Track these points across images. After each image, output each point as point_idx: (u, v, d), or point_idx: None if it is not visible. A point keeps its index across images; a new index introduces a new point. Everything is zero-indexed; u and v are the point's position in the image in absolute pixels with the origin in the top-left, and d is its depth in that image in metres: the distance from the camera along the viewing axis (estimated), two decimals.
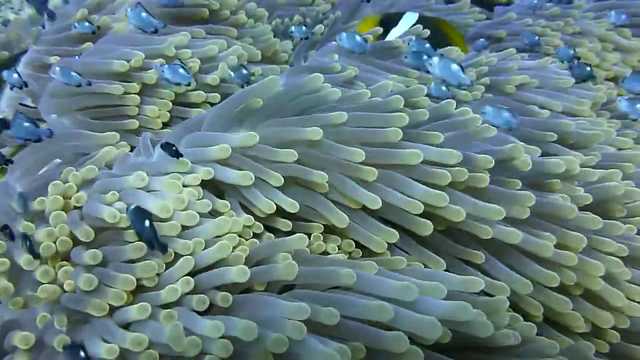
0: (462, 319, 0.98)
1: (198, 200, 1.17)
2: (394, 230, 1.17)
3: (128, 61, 1.43)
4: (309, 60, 1.68)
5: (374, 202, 1.15)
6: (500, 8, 2.27)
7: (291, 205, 1.18)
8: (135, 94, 1.43)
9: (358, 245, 1.22)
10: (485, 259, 1.19)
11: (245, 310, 1.03)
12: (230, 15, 1.74)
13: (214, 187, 1.24)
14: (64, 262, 1.12)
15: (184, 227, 1.12)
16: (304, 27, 1.80)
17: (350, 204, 1.19)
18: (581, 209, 1.22)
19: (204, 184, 1.21)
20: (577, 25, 2.06)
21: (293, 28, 1.80)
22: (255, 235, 1.21)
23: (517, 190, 1.20)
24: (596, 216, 1.19)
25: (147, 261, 1.07)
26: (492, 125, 1.27)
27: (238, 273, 1.03)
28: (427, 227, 1.15)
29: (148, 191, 1.17)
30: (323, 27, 2.05)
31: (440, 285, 1.02)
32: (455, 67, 1.33)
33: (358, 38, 1.54)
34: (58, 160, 1.38)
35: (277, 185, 1.19)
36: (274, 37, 1.86)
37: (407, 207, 1.15)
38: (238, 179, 1.19)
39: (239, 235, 1.16)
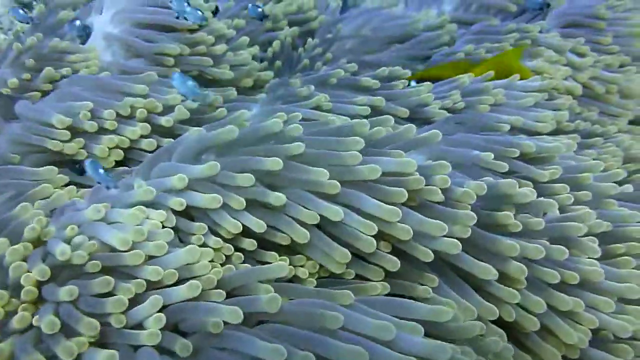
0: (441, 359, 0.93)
1: (163, 228, 1.09)
2: (346, 250, 1.08)
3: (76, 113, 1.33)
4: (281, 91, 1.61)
5: (336, 214, 1.07)
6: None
7: (257, 225, 1.10)
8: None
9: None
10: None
11: (215, 343, 0.96)
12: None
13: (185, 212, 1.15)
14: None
15: (151, 257, 1.03)
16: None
17: (309, 220, 1.10)
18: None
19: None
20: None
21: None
22: (227, 257, 1.12)
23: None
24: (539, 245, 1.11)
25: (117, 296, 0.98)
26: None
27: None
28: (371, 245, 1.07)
29: (109, 223, 1.09)
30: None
31: (417, 326, 0.96)
32: None
33: (190, 83, 1.35)
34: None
35: (239, 208, 1.11)
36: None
37: (360, 227, 1.08)
38: (206, 202, 1.11)
39: (211, 261, 1.08)
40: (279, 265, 1.05)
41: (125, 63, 1.57)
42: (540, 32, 1.97)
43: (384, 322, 0.94)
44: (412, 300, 1.05)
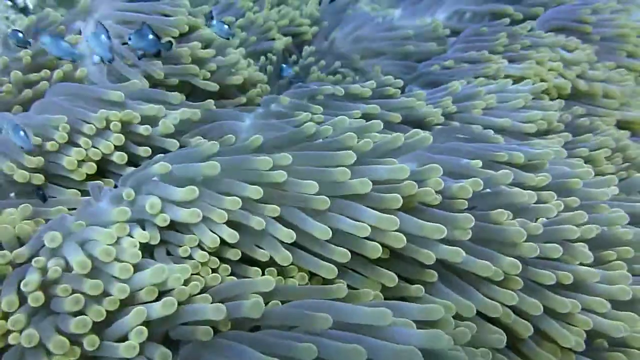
0: (438, 347, 0.90)
1: (134, 248, 1.05)
2: (345, 250, 1.04)
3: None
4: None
5: (324, 233, 1.03)
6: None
7: (230, 235, 1.06)
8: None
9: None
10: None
11: (208, 354, 0.94)
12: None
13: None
14: None
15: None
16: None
17: (286, 239, 1.06)
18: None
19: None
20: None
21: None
22: (213, 270, 1.09)
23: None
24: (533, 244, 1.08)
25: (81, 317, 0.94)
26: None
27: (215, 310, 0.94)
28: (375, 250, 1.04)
29: (84, 242, 1.05)
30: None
31: (409, 321, 0.94)
32: None
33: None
34: None
35: (221, 222, 1.07)
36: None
37: (356, 232, 1.03)
38: (186, 216, 1.07)
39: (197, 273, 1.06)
40: (265, 280, 1.01)
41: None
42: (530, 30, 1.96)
43: (379, 309, 0.91)
44: (403, 302, 1.01)
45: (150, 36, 1.30)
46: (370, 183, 1.04)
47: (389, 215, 1.02)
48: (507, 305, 1.07)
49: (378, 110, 1.47)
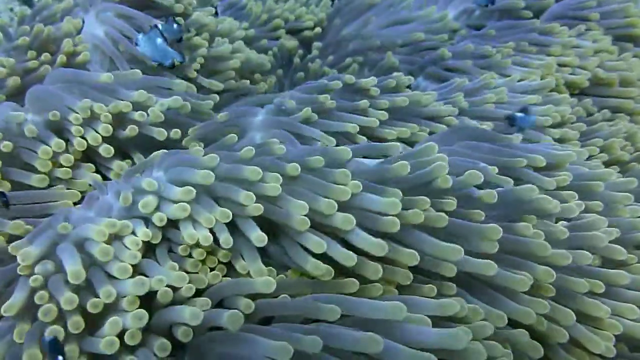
0: (457, 347, 0.83)
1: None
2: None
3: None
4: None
5: (319, 246, 0.93)
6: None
7: (204, 238, 0.97)
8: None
9: None
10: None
11: (219, 347, 0.89)
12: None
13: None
14: None
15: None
16: None
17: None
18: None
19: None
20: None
21: None
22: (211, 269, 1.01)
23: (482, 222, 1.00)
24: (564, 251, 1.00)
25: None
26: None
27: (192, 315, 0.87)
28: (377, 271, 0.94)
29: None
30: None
31: (425, 318, 0.87)
32: None
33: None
34: None
35: (208, 226, 0.98)
36: None
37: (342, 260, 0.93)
38: (175, 211, 0.99)
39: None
40: (266, 281, 0.92)
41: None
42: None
43: (394, 303, 0.85)
44: (418, 297, 0.94)
45: (159, 40, 1.18)
46: (354, 221, 0.94)
47: (378, 240, 0.92)
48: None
49: (387, 105, 1.37)
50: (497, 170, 1.13)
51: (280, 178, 0.99)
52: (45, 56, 1.39)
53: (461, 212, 1.01)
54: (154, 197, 1.01)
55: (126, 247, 0.97)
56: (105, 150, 1.22)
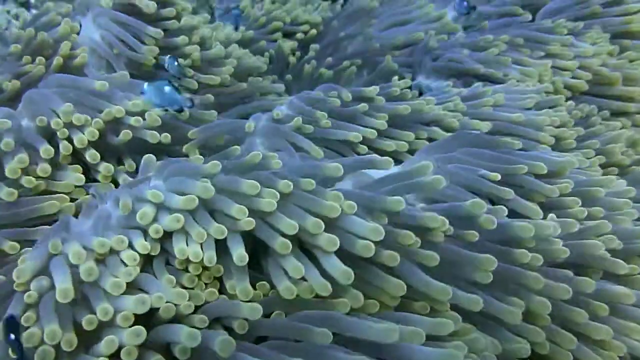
0: None
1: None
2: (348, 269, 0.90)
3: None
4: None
5: (298, 271, 0.90)
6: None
7: (194, 254, 0.93)
8: None
9: None
10: None
11: None
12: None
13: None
14: None
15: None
16: None
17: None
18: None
19: None
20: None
21: None
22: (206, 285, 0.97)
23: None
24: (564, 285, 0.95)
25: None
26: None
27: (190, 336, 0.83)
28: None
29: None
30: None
31: (419, 330, 0.83)
32: None
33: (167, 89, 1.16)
34: None
35: (200, 241, 0.94)
36: None
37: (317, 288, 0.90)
38: (168, 223, 0.95)
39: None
40: (252, 307, 0.88)
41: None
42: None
43: (386, 325, 0.83)
44: (412, 314, 0.91)
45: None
46: (337, 243, 0.90)
47: (346, 268, 0.89)
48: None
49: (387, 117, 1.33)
50: (499, 177, 1.10)
51: (278, 195, 0.95)
52: (40, 60, 1.34)
53: (456, 233, 0.97)
54: (151, 207, 0.97)
55: (123, 262, 0.93)
56: (91, 155, 1.18)
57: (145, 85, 1.15)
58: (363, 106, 1.30)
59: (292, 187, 0.95)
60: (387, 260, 0.91)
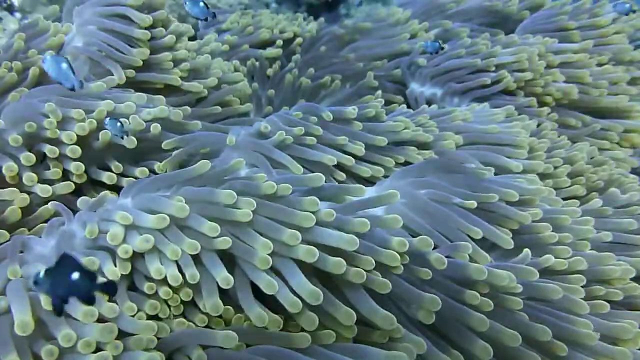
0: None
1: None
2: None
3: None
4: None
5: (270, 286, 0.87)
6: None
7: (174, 278, 0.89)
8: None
9: None
10: None
11: None
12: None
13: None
14: None
15: None
16: None
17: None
18: None
19: None
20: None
21: None
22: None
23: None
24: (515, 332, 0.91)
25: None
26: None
27: None
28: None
29: None
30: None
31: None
32: None
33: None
34: None
35: (174, 258, 0.90)
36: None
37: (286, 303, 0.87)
38: (137, 244, 0.90)
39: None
40: (227, 335, 0.85)
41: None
42: None
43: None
44: (368, 346, 0.88)
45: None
46: (317, 253, 0.87)
47: (314, 288, 0.86)
48: None
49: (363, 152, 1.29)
50: (475, 204, 1.08)
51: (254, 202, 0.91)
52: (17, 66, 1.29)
53: (411, 269, 0.94)
54: (121, 227, 0.91)
55: None
56: (75, 166, 1.14)
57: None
58: (343, 139, 1.27)
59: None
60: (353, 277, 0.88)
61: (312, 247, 0.87)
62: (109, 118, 1.14)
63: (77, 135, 1.13)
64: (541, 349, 0.94)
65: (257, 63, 1.78)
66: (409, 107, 1.66)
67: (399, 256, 0.90)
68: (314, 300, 0.85)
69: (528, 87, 1.72)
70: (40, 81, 1.30)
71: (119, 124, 1.13)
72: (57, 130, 1.12)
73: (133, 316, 0.88)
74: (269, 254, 0.88)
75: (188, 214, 0.91)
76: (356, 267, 0.89)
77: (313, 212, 0.91)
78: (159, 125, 1.22)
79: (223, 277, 0.88)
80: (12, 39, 1.36)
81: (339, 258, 0.87)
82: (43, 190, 1.10)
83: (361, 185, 1.03)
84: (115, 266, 0.92)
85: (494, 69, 1.72)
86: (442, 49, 1.73)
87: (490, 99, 1.69)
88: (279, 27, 1.88)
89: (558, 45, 1.79)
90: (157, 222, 0.91)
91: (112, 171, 1.20)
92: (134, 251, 0.91)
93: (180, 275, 0.90)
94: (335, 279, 0.90)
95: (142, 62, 1.33)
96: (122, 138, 1.16)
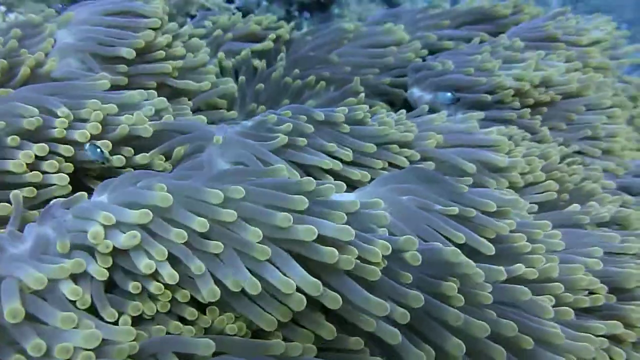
0: None
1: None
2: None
3: None
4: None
5: (254, 287, 0.84)
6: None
7: (169, 276, 0.86)
8: None
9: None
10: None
11: None
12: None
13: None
14: None
15: None
16: None
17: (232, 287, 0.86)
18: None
19: None
20: None
21: None
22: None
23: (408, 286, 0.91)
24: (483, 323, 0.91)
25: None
26: None
27: None
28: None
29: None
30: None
31: None
32: None
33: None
34: None
35: (161, 259, 0.87)
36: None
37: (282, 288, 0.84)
38: (125, 241, 0.86)
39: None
40: (207, 343, 0.83)
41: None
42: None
43: None
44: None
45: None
46: (316, 231, 0.85)
47: (314, 279, 0.84)
48: None
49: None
50: (457, 210, 1.08)
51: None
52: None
53: (392, 270, 0.93)
54: (100, 226, 0.87)
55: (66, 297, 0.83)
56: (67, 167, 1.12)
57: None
58: (332, 146, 1.26)
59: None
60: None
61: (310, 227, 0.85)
62: (88, 144, 1.12)
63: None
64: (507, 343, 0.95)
65: (243, 56, 1.75)
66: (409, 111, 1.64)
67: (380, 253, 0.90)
68: (315, 292, 0.84)
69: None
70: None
71: (99, 150, 1.12)
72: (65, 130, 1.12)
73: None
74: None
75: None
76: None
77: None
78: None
79: (232, 281, 0.86)
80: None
81: (332, 247, 0.86)
82: (29, 191, 1.08)
83: (331, 185, 0.97)
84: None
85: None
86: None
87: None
88: (266, 22, 1.87)
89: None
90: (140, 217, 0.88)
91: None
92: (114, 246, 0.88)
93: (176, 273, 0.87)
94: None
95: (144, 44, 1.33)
96: (103, 164, 1.14)
